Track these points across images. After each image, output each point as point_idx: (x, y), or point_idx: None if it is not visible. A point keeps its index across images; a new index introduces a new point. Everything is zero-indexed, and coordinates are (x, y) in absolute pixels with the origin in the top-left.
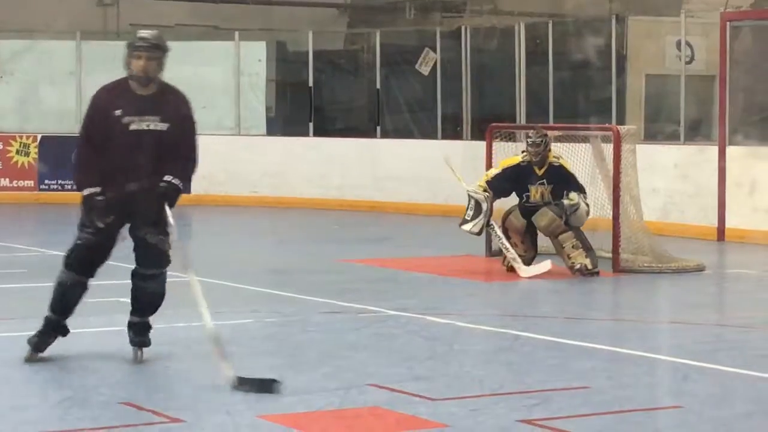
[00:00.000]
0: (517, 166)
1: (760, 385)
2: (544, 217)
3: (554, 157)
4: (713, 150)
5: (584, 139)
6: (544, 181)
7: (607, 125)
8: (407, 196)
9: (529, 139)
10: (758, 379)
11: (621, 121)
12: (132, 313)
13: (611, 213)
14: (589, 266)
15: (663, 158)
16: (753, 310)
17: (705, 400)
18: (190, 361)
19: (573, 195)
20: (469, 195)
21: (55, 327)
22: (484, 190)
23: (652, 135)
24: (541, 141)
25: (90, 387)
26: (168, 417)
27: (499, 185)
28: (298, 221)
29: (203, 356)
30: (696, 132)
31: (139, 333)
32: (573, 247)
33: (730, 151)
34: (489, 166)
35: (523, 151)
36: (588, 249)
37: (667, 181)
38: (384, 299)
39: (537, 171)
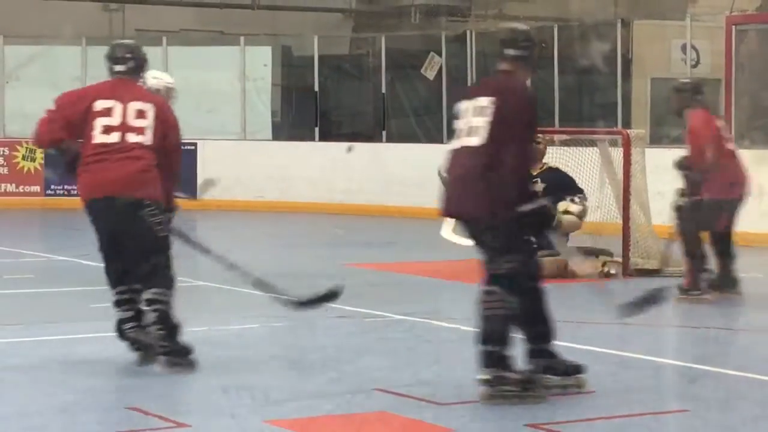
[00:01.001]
0: None
1: (767, 389)
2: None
3: (553, 164)
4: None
5: (591, 143)
6: (538, 180)
7: (616, 129)
8: (413, 200)
9: (538, 140)
10: (765, 383)
11: (627, 124)
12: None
13: (619, 217)
14: (612, 270)
15: (669, 162)
16: (760, 314)
17: (712, 404)
18: (197, 365)
19: (571, 207)
20: None
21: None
22: None
23: (657, 139)
24: (539, 141)
25: (96, 392)
26: (174, 422)
27: None
28: (304, 225)
29: (209, 361)
30: None
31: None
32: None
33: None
34: None
35: None
36: (595, 254)
37: (673, 184)
38: (390, 303)
39: (531, 172)
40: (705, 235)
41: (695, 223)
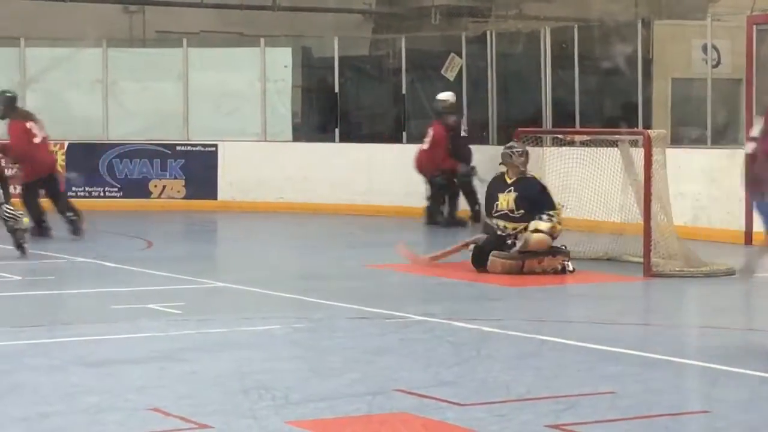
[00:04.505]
0: (494, 179)
1: None
2: (495, 268)
3: (531, 173)
4: (739, 153)
5: (612, 144)
6: (512, 188)
7: (637, 129)
8: None
9: (515, 149)
10: None
11: (647, 125)
12: None
13: (640, 217)
14: (563, 267)
15: (690, 162)
16: None
17: (733, 405)
18: (217, 366)
19: (541, 225)
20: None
21: None
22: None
23: (678, 139)
24: (526, 151)
25: (117, 393)
26: (195, 423)
27: (486, 204)
28: (325, 227)
29: (230, 362)
30: (723, 136)
31: None
32: (544, 266)
33: None
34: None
35: (500, 163)
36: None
37: (695, 185)
38: (410, 304)
39: (508, 180)
40: None
41: None
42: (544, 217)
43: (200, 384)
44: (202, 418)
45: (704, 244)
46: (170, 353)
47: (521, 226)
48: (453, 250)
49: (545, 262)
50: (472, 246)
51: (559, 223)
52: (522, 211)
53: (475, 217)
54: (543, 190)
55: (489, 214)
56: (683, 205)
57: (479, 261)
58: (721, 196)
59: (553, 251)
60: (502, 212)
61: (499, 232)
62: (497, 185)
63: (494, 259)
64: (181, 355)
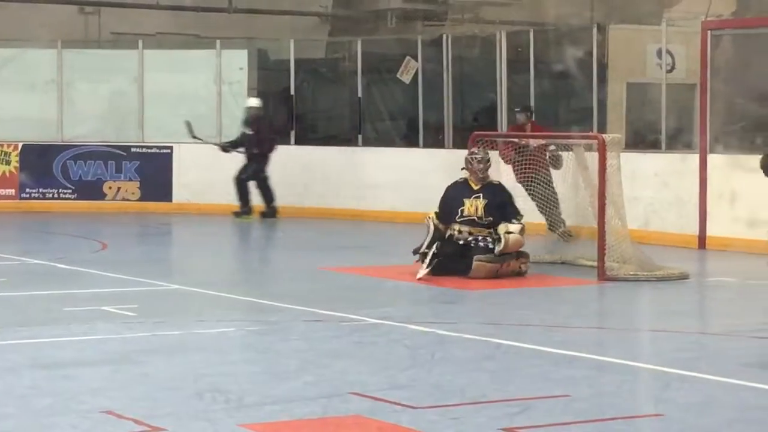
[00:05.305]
0: (455, 183)
1: (741, 394)
2: (479, 273)
3: (496, 179)
4: (694, 158)
5: (567, 148)
6: (480, 195)
7: (592, 133)
8: (389, 204)
9: (476, 156)
10: (740, 387)
11: (602, 129)
12: None
13: (594, 221)
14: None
15: (644, 167)
16: (735, 319)
17: (686, 409)
18: (172, 369)
19: (511, 227)
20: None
21: None
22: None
23: (633, 143)
24: (488, 158)
25: (71, 395)
26: (149, 425)
27: (445, 208)
28: (280, 229)
29: (184, 364)
30: (677, 140)
31: None
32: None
33: (711, 159)
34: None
35: (462, 168)
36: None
37: (649, 189)
38: (366, 307)
39: (473, 186)
40: None
41: None
42: (514, 221)
43: (154, 386)
44: (155, 421)
45: (658, 248)
46: (124, 355)
47: (485, 231)
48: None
49: (512, 264)
50: (426, 257)
51: (525, 225)
52: (490, 218)
53: (269, 212)
54: (510, 198)
55: (449, 219)
56: (637, 209)
57: (444, 270)
58: (674, 200)
59: (517, 253)
60: (468, 218)
61: (461, 242)
62: (461, 190)
63: (479, 264)
64: (135, 358)
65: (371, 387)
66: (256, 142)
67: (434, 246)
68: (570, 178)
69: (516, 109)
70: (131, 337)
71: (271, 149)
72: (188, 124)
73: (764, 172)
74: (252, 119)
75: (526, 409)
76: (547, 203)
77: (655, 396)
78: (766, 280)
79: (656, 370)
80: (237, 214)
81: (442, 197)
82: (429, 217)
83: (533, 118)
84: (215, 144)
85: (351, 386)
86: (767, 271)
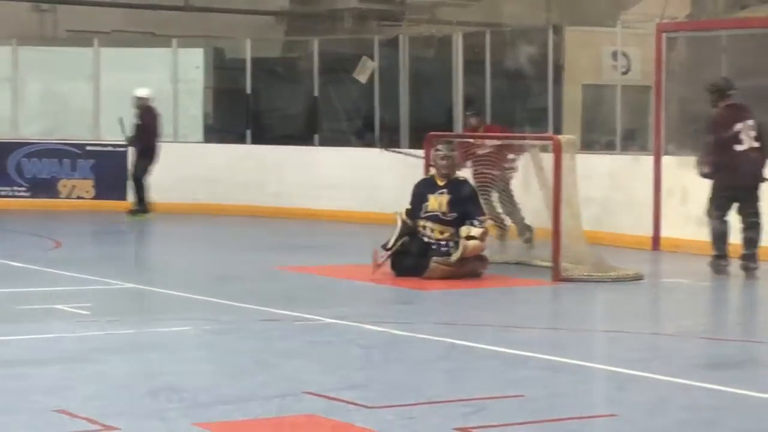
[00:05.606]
0: (423, 180)
1: (694, 394)
2: (435, 274)
3: (462, 176)
4: (648, 159)
5: (522, 149)
6: (445, 191)
7: (547, 135)
8: (344, 204)
9: (439, 152)
10: (692, 388)
11: (558, 130)
12: None
13: (549, 222)
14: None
15: (598, 167)
16: (687, 319)
17: (639, 409)
18: (126, 368)
19: (473, 231)
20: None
21: None
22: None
23: (588, 145)
24: (451, 154)
25: (23, 394)
26: (102, 425)
27: (413, 204)
28: (235, 229)
29: (138, 363)
30: (632, 141)
31: None
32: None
33: (665, 160)
34: (427, 173)
35: (430, 165)
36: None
37: (604, 190)
38: (320, 307)
39: (439, 182)
40: None
41: None
42: (476, 222)
43: (108, 385)
44: (109, 420)
45: (612, 249)
46: (78, 354)
47: (449, 231)
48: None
49: (469, 266)
50: (387, 253)
51: (488, 229)
52: (454, 214)
53: (140, 209)
54: (474, 194)
55: (415, 215)
56: (592, 210)
57: (402, 267)
58: (629, 201)
59: (476, 257)
60: (432, 213)
61: (425, 239)
62: (427, 186)
63: (436, 266)
64: (89, 356)
65: (326, 386)
66: (141, 135)
67: (401, 241)
68: (525, 179)
69: (467, 113)
70: (85, 336)
71: (151, 143)
72: (121, 121)
73: (698, 172)
74: (140, 110)
75: (481, 409)
76: (509, 209)
77: (608, 396)
78: (718, 281)
79: (610, 370)
80: (132, 213)
81: (411, 193)
82: (399, 213)
83: (486, 120)
84: (125, 139)
85: (305, 386)
86: (709, 271)
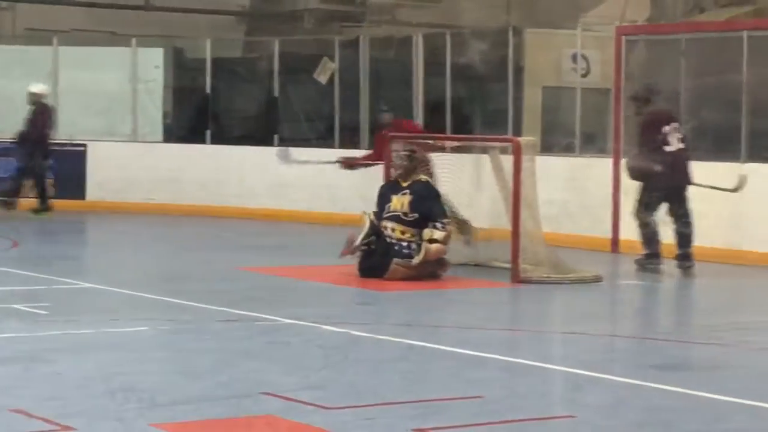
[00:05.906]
0: (388, 182)
1: (651, 395)
2: (396, 275)
3: (425, 177)
4: (606, 162)
5: (482, 150)
6: (407, 191)
7: (507, 137)
8: (304, 205)
9: (398, 152)
10: (650, 390)
11: (518, 132)
12: None
13: (508, 223)
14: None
15: (557, 169)
16: (646, 321)
17: (597, 410)
18: (83, 368)
19: (436, 234)
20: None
21: None
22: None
23: (548, 147)
24: (408, 155)
25: None
26: (59, 425)
27: (380, 205)
28: (195, 229)
29: (95, 363)
30: (591, 144)
31: None
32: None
33: (624, 163)
34: (387, 175)
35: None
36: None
37: (563, 192)
38: (279, 308)
39: (402, 183)
40: None
41: None
42: (438, 225)
43: (65, 385)
44: (66, 420)
45: (571, 250)
46: (35, 354)
47: (411, 231)
48: (355, 248)
49: (429, 268)
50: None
51: (451, 231)
52: (416, 215)
53: (43, 208)
54: (437, 196)
55: (380, 216)
56: (551, 212)
57: (366, 266)
58: (588, 203)
59: (437, 260)
60: (394, 214)
61: (388, 240)
62: (391, 188)
63: (397, 267)
64: (46, 356)
65: (284, 387)
66: (32, 131)
67: (368, 240)
68: (486, 181)
69: (383, 108)
70: (42, 336)
71: (41, 139)
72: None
73: (629, 174)
74: (35, 106)
75: (439, 410)
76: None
77: (566, 397)
78: (676, 282)
79: (568, 371)
80: (35, 211)
81: (377, 194)
82: (367, 213)
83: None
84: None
85: (263, 386)
86: (635, 269)
